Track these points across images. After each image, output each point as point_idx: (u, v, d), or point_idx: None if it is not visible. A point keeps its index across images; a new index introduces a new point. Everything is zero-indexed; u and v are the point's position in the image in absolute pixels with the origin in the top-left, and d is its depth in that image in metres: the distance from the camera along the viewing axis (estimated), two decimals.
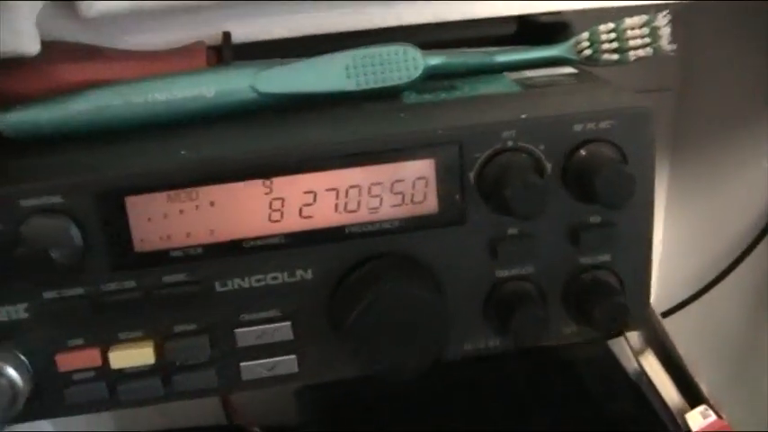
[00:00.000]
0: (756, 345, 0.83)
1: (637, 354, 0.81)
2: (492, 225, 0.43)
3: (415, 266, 0.43)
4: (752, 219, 0.78)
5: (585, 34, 0.50)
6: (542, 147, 0.42)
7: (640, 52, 0.49)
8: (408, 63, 0.46)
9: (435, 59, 0.47)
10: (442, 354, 0.42)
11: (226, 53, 0.47)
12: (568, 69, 0.49)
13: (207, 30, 0.48)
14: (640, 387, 0.83)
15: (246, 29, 0.48)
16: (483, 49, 0.50)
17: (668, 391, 0.79)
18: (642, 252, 0.45)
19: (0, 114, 0.44)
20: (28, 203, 0.39)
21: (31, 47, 0.42)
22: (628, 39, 0.49)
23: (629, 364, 0.85)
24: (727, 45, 0.72)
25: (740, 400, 0.81)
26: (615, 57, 0.49)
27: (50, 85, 0.45)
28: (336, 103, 0.46)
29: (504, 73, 0.50)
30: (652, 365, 0.80)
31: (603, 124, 0.42)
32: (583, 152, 0.42)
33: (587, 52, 0.50)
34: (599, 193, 0.41)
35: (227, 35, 0.47)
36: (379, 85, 0.46)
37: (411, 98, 0.46)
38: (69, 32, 0.47)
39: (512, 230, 0.43)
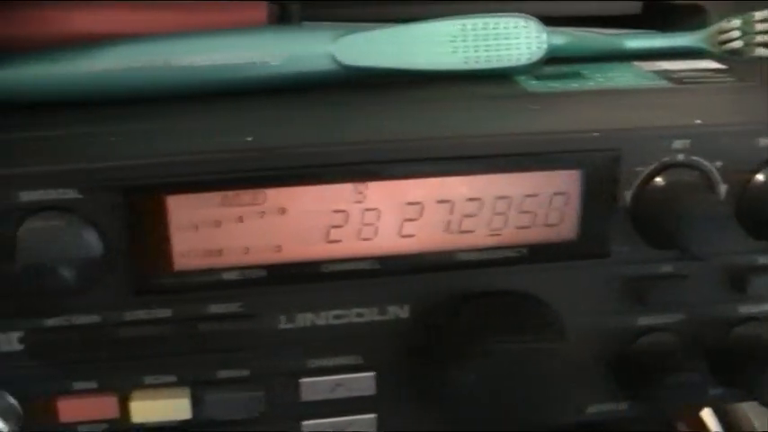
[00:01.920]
0: None
1: None
2: (641, 261, 0.33)
3: (541, 310, 0.32)
4: None
5: (736, 22, 0.40)
6: (719, 164, 0.32)
7: None
8: (530, 40, 0.36)
9: (560, 38, 0.37)
10: (564, 419, 0.32)
11: (293, 10, 0.36)
12: (711, 63, 0.40)
13: None
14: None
15: None
16: (608, 31, 0.40)
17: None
18: None
19: None
20: (30, 197, 0.28)
21: None
22: None
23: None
24: None
25: None
26: None
27: (55, 35, 0.34)
28: (437, 83, 0.35)
29: (633, 62, 0.39)
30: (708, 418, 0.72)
31: None
32: (764, 175, 0.32)
33: (736, 44, 0.40)
34: None
35: None
36: (493, 65, 0.36)
37: (532, 85, 0.36)
38: None
39: (664, 268, 0.33)
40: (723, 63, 0.40)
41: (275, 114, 0.32)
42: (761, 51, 0.40)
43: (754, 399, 0.36)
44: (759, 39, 0.40)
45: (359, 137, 0.30)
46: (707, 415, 0.71)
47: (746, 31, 0.40)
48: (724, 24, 0.40)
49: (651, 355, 0.34)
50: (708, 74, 0.38)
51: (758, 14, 0.40)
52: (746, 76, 0.38)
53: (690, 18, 0.43)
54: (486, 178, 0.31)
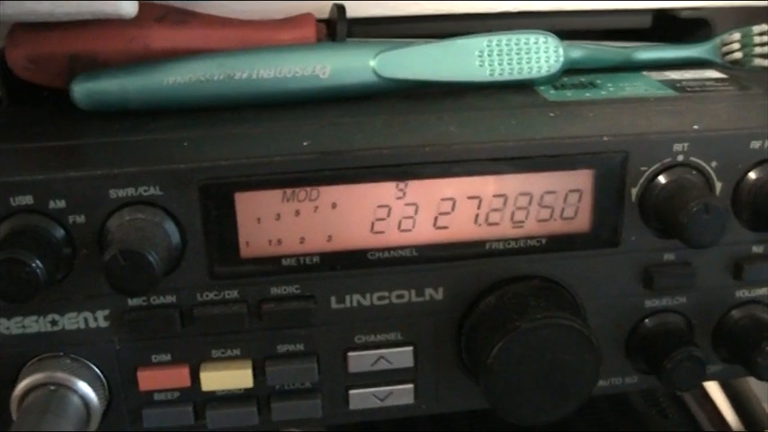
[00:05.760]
0: None
1: None
2: (648, 249, 0.37)
3: (561, 293, 0.37)
4: None
5: (736, 35, 0.44)
6: (714, 164, 0.36)
7: None
8: (549, 54, 0.40)
9: (576, 52, 0.41)
10: (589, 395, 0.36)
11: (340, 28, 0.40)
12: (714, 73, 0.44)
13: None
14: (695, 417, 0.78)
15: (358, 2, 0.42)
16: (620, 44, 0.44)
17: (732, 419, 0.74)
18: None
19: (79, 81, 0.37)
20: (119, 194, 0.33)
21: (129, 8, 0.35)
22: None
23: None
24: None
25: None
26: (767, 62, 0.44)
27: (138, 51, 0.38)
28: (465, 92, 0.40)
29: (643, 72, 0.44)
30: (714, 391, 0.76)
31: None
32: (756, 174, 0.37)
33: (737, 55, 0.44)
34: None
35: (340, 8, 0.41)
36: (515, 76, 0.40)
37: (551, 94, 0.40)
38: None
39: (668, 256, 0.38)
40: (725, 73, 0.44)
41: (326, 121, 0.37)
42: (758, 62, 0.44)
43: (751, 375, 0.40)
44: (757, 50, 0.44)
45: (400, 142, 0.35)
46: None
47: (746, 44, 0.44)
48: (726, 37, 0.44)
49: (657, 333, 0.39)
50: (710, 83, 0.42)
51: (756, 28, 0.44)
52: (746, 84, 0.42)
53: (695, 31, 0.47)
54: (510, 177, 0.35)
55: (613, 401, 0.70)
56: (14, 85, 0.41)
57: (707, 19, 0.47)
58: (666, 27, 0.47)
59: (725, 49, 0.44)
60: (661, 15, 0.47)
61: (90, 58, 0.38)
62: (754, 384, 0.75)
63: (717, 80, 0.43)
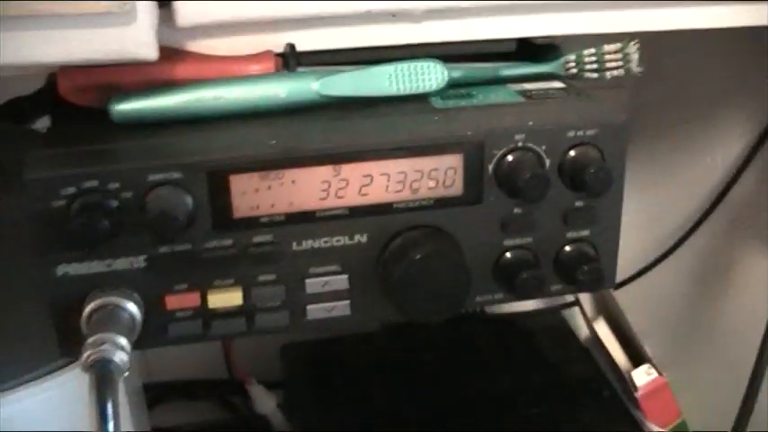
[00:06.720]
0: (693, 316, 0.97)
1: (590, 320, 0.96)
2: (503, 205, 0.56)
3: (443, 235, 0.55)
4: (694, 206, 0.91)
5: (572, 56, 0.62)
6: (544, 147, 0.55)
7: (614, 72, 0.62)
8: (437, 74, 0.59)
9: (457, 72, 0.60)
10: (464, 302, 0.55)
11: (291, 61, 0.58)
12: (558, 84, 0.63)
13: (270, 39, 0.59)
14: (590, 352, 0.97)
15: (304, 40, 0.60)
16: (491, 64, 0.63)
17: (617, 352, 0.94)
18: (614, 229, 0.58)
19: (114, 103, 0.55)
20: (154, 178, 0.51)
21: (152, 54, 0.53)
22: (605, 61, 0.62)
23: (581, 332, 0.99)
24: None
25: (679, 364, 0.96)
26: (595, 75, 0.62)
27: (153, 81, 0.56)
28: (379, 103, 0.58)
29: (507, 84, 0.62)
30: (603, 331, 0.96)
31: (590, 132, 0.55)
32: (574, 152, 0.56)
33: (573, 71, 0.63)
34: (586, 183, 0.54)
35: (292, 46, 0.59)
36: (414, 91, 0.59)
37: (438, 103, 0.59)
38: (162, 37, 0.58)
39: (517, 210, 0.56)
40: (566, 83, 0.63)
41: (285, 127, 0.55)
42: (588, 75, 0.63)
43: (578, 290, 0.59)
44: (587, 67, 0.63)
45: (335, 139, 0.53)
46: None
47: (579, 62, 0.63)
48: (567, 57, 0.63)
49: (514, 263, 0.57)
50: (552, 91, 0.61)
51: (586, 51, 0.62)
52: (577, 91, 0.61)
53: (548, 53, 0.65)
54: (408, 160, 0.54)
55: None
56: (62, 108, 0.58)
57: (555, 44, 0.65)
58: (526, 50, 0.65)
59: (566, 66, 0.63)
60: (523, 42, 0.65)
61: (118, 86, 0.56)
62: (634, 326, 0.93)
63: (558, 89, 0.61)
